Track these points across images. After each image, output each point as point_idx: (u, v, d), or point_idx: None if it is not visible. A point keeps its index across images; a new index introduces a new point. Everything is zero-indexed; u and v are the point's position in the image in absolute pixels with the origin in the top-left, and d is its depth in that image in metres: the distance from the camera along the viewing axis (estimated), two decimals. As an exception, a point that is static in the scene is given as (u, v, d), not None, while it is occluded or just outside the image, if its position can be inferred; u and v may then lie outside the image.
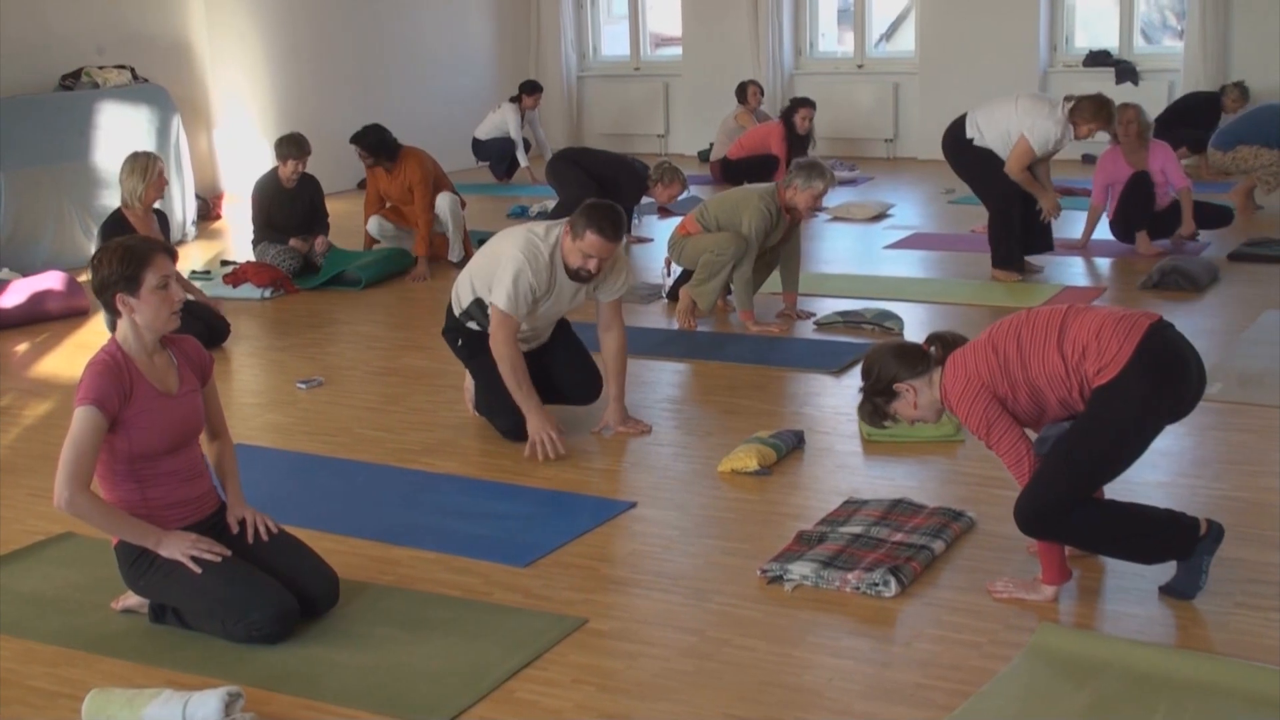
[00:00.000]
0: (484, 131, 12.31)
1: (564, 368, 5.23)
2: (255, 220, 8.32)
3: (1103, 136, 8.00)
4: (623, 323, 5.12)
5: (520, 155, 12.12)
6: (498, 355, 4.84)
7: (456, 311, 5.13)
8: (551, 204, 9.53)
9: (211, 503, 3.73)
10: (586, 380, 5.26)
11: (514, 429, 4.98)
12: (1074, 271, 7.91)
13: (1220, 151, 9.34)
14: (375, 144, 8.49)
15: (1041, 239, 7.77)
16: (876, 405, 3.73)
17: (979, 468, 4.62)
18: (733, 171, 10.94)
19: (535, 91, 12.41)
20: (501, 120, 12.19)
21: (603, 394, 5.22)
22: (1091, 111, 7.39)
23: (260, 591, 3.50)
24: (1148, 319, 3.47)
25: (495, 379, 4.93)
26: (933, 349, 3.70)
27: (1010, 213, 7.56)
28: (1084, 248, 8.27)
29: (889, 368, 3.67)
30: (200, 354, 3.75)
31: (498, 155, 12.24)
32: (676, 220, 9.94)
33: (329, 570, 3.69)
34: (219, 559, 3.51)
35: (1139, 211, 8.14)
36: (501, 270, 4.83)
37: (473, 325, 5.08)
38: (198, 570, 3.47)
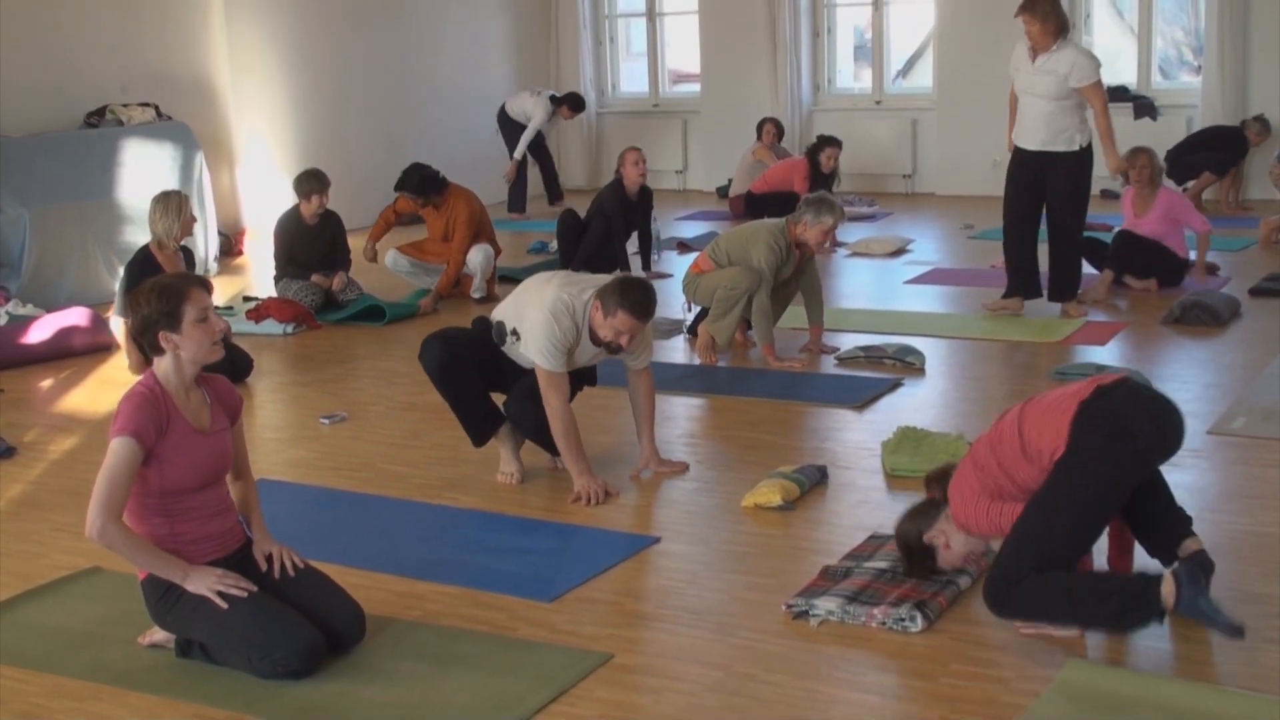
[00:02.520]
0: (514, 109, 12.42)
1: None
2: (277, 257, 8.37)
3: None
4: (651, 380, 5.08)
5: (522, 143, 12.21)
6: (553, 416, 4.80)
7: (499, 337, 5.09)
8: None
9: (237, 538, 3.74)
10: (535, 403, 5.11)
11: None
12: (1096, 308, 7.90)
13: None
14: (419, 183, 8.53)
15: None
16: (925, 565, 3.83)
17: (1003, 503, 4.61)
18: (756, 206, 11.00)
19: (577, 108, 12.55)
20: (530, 110, 12.28)
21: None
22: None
23: (287, 627, 3.51)
24: (1091, 385, 3.55)
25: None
26: (934, 492, 3.85)
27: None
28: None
29: (910, 530, 3.83)
30: (231, 394, 3.78)
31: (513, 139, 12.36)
32: (695, 255, 10.03)
33: (356, 606, 3.70)
34: (245, 594, 3.52)
35: (1116, 258, 8.16)
36: (534, 331, 4.80)
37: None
38: (224, 605, 3.49)
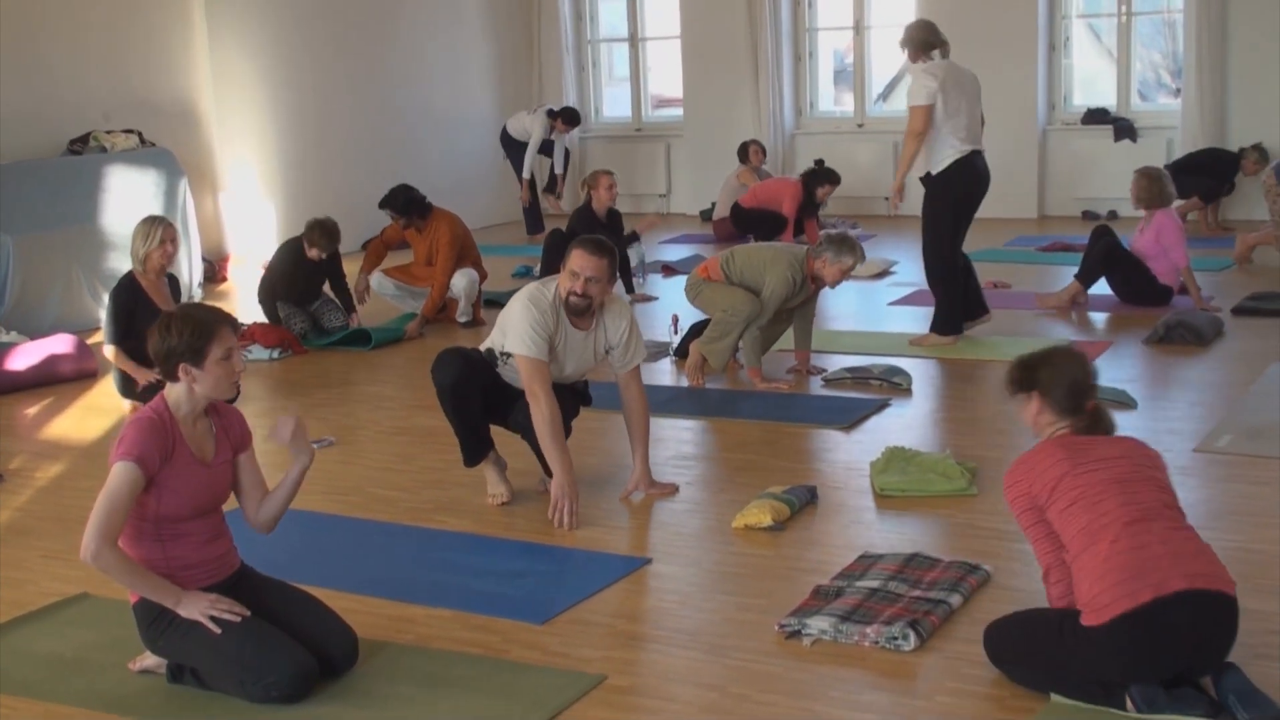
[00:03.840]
0: (514, 128, 12.60)
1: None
2: (270, 276, 8.35)
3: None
4: (642, 388, 5.09)
5: (527, 162, 12.34)
6: (537, 413, 4.76)
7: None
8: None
9: (232, 563, 3.73)
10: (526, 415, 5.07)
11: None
12: (1079, 327, 7.95)
13: (1278, 183, 9.43)
14: (404, 204, 8.56)
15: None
16: (1018, 381, 3.59)
17: (993, 521, 4.63)
18: (742, 219, 11.07)
19: (571, 121, 12.67)
20: (529, 127, 12.44)
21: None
22: None
23: (279, 651, 3.49)
24: (1155, 590, 3.19)
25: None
26: (1042, 407, 3.54)
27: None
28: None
29: (1043, 376, 3.54)
30: (241, 426, 3.78)
31: (518, 161, 12.55)
32: (681, 279, 10.05)
33: (348, 630, 3.69)
34: (238, 619, 3.51)
35: (1093, 266, 8.30)
36: (510, 317, 4.85)
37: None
38: (217, 630, 3.48)
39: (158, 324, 3.61)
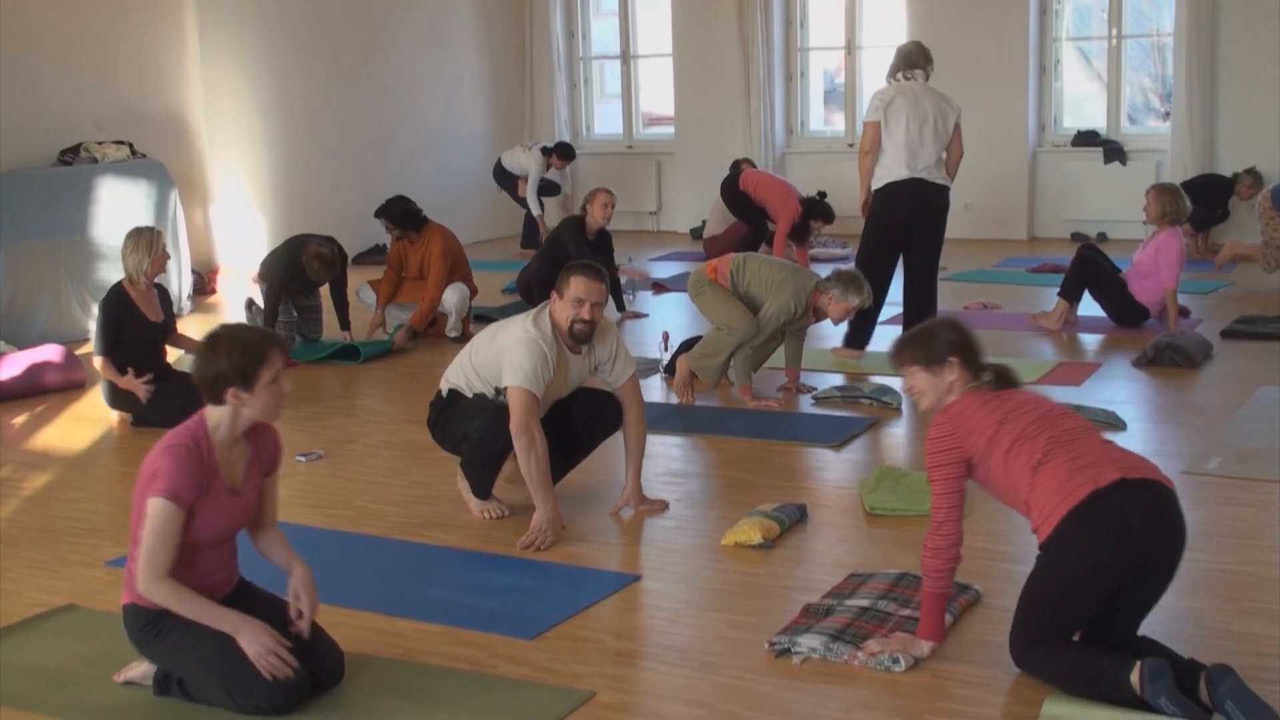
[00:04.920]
0: (509, 163, 12.72)
1: (579, 399, 5.10)
2: (266, 279, 8.35)
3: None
4: (641, 404, 5.08)
5: (532, 202, 12.41)
6: (521, 442, 4.70)
7: (445, 385, 5.08)
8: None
9: (232, 582, 3.69)
10: (602, 407, 5.10)
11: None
12: (1069, 348, 7.96)
13: (1271, 205, 9.46)
14: (400, 215, 8.58)
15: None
16: (932, 351, 3.72)
17: (982, 541, 4.63)
18: (735, 201, 11.10)
19: (565, 157, 12.75)
20: (525, 165, 12.54)
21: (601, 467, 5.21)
22: None
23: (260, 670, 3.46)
24: (1094, 482, 3.41)
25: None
26: (984, 376, 3.71)
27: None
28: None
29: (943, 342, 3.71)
30: (275, 446, 3.69)
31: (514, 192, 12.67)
32: (672, 295, 10.06)
33: (336, 647, 3.67)
34: (290, 672, 3.42)
35: (1074, 283, 8.36)
36: (509, 354, 4.76)
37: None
38: (267, 678, 3.41)
39: (203, 345, 3.49)
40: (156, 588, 3.39)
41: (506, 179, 12.76)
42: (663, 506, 5.11)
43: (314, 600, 3.61)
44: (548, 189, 12.91)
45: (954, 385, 3.70)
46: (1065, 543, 3.42)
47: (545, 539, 4.71)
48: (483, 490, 5.09)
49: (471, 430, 4.95)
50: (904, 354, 3.78)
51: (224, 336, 3.48)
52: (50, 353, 7.61)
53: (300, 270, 8.19)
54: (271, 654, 3.42)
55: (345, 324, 8.46)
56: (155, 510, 3.39)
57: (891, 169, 7.36)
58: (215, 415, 3.50)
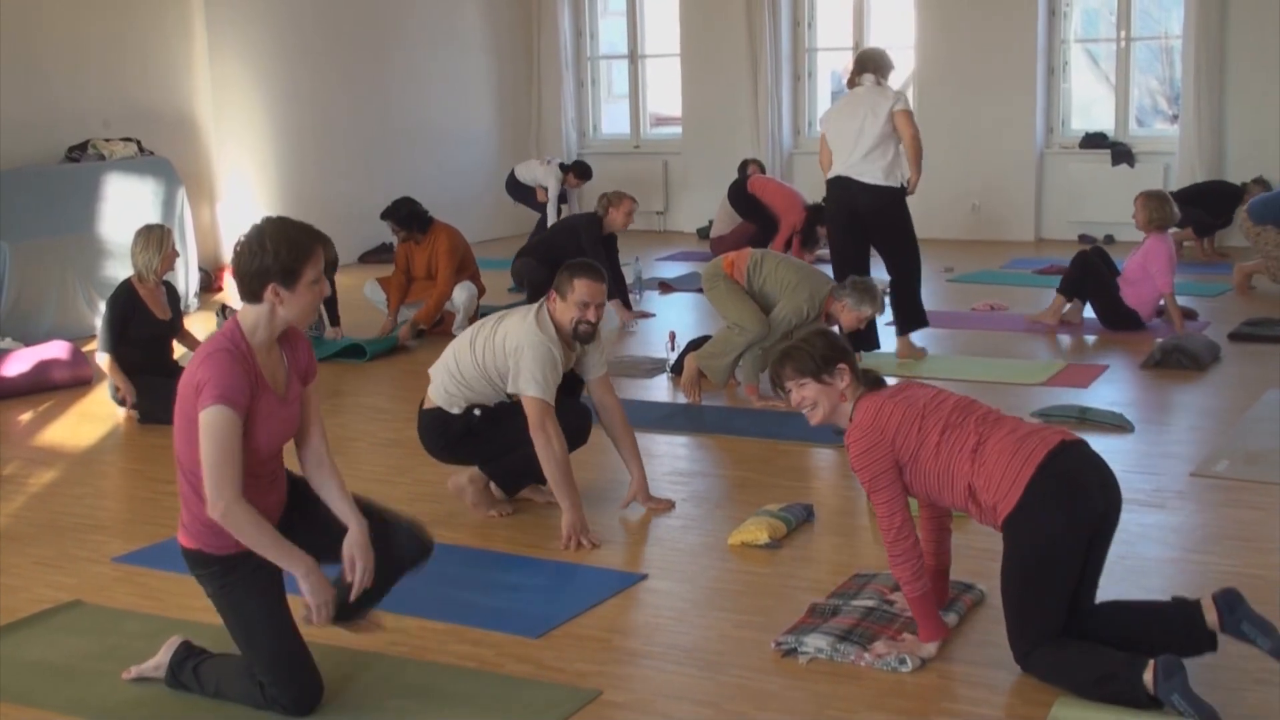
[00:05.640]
0: (523, 175, 12.53)
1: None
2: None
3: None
4: (617, 397, 5.11)
5: (551, 214, 12.34)
6: (540, 441, 4.71)
7: (453, 407, 5.00)
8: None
9: (281, 507, 3.53)
10: (579, 425, 5.12)
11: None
12: (1075, 351, 7.95)
13: (1251, 221, 9.44)
14: (407, 216, 8.58)
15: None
16: (821, 361, 3.71)
17: (987, 541, 4.59)
18: (743, 202, 11.09)
19: (583, 176, 12.60)
20: (542, 178, 12.38)
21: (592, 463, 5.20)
22: None
23: (306, 673, 3.46)
24: (1044, 447, 3.48)
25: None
26: (852, 377, 3.71)
27: None
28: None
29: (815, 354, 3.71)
30: (308, 353, 3.53)
31: (530, 203, 12.57)
32: (679, 295, 10.06)
33: (418, 538, 3.66)
34: (325, 621, 3.35)
35: (1071, 281, 8.40)
36: (521, 360, 4.73)
37: (454, 410, 5.00)
38: (314, 620, 3.31)
39: (247, 239, 3.30)
40: (236, 509, 3.18)
41: (521, 191, 12.67)
42: (669, 505, 5.11)
43: (368, 564, 3.42)
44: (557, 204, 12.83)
45: (845, 392, 3.70)
46: (1032, 511, 3.45)
47: (576, 542, 4.70)
48: (510, 488, 5.17)
49: (513, 435, 4.90)
50: (788, 368, 3.74)
51: (270, 230, 3.29)
52: (57, 349, 7.61)
53: None
54: (324, 607, 3.32)
55: (335, 321, 8.48)
56: (211, 420, 3.18)
57: (832, 169, 7.57)
58: (251, 316, 3.31)
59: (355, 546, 3.43)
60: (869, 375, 3.78)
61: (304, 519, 3.52)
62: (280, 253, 3.25)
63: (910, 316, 7.69)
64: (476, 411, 4.97)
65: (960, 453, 3.56)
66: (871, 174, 7.43)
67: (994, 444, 3.53)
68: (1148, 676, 3.26)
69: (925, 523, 3.91)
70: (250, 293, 3.30)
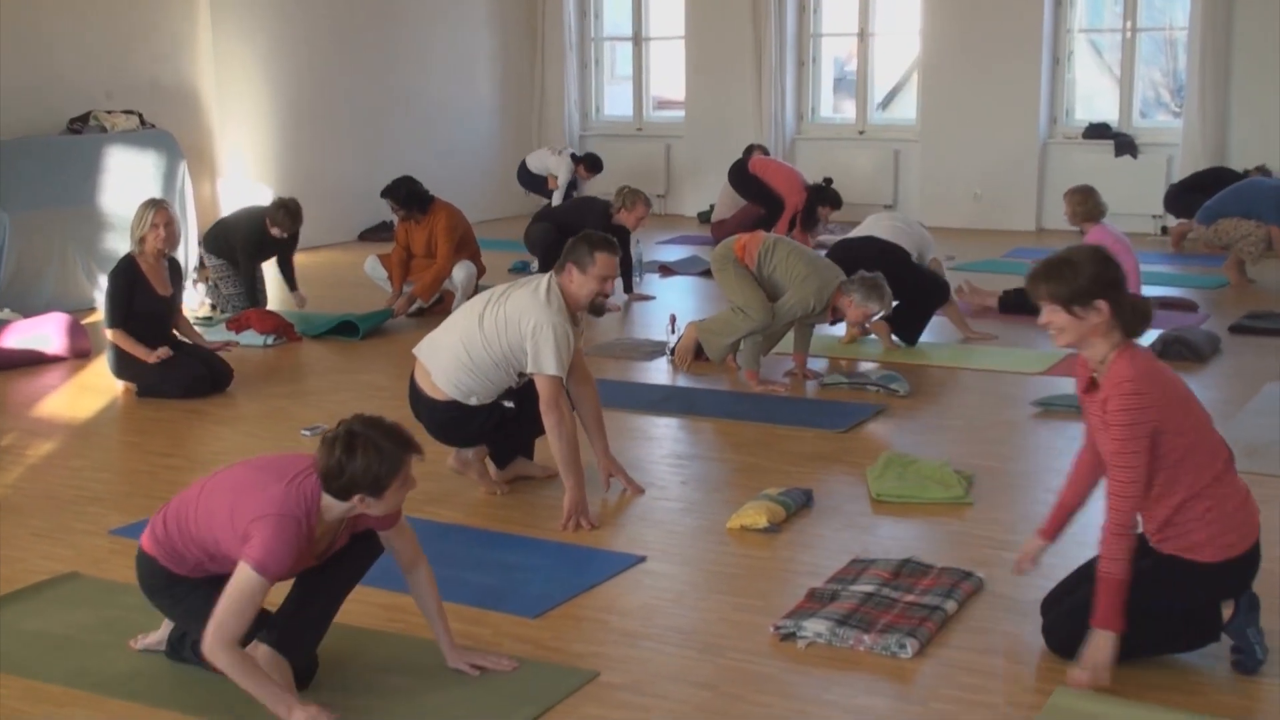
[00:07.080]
0: (534, 164, 12.57)
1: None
2: (229, 234, 8.62)
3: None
4: (590, 374, 5.11)
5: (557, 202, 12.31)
6: (551, 419, 4.70)
7: (471, 398, 4.91)
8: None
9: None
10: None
11: None
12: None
13: (1203, 226, 9.48)
14: (406, 195, 8.56)
15: None
16: (1040, 288, 3.42)
17: (988, 529, 4.63)
18: (746, 184, 11.11)
19: (593, 169, 12.56)
20: (554, 168, 12.40)
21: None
22: None
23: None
24: (1255, 533, 3.50)
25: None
26: (1112, 316, 3.36)
27: None
28: None
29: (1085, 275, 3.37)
30: (377, 524, 3.50)
31: (541, 191, 12.62)
32: (680, 279, 10.05)
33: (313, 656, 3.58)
34: None
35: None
36: (539, 339, 4.68)
37: (473, 401, 4.93)
38: None
39: (337, 439, 3.21)
40: (221, 655, 3.19)
41: (533, 180, 12.65)
42: (639, 490, 5.09)
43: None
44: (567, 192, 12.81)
45: (1099, 329, 3.36)
46: (1214, 581, 3.47)
47: (575, 522, 4.70)
48: (500, 460, 5.18)
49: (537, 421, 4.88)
50: (1044, 287, 3.39)
51: (362, 437, 3.20)
52: (56, 321, 7.59)
53: (263, 235, 8.42)
54: None
55: (293, 286, 8.66)
56: (246, 580, 3.19)
57: None
58: (333, 504, 3.29)
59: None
60: (1139, 310, 3.42)
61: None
62: (371, 467, 3.19)
63: (909, 328, 7.58)
64: (509, 404, 4.95)
65: (1205, 468, 3.40)
66: None
67: (1229, 489, 3.44)
68: (1226, 611, 3.46)
69: (1087, 463, 3.68)
70: (335, 494, 3.26)
